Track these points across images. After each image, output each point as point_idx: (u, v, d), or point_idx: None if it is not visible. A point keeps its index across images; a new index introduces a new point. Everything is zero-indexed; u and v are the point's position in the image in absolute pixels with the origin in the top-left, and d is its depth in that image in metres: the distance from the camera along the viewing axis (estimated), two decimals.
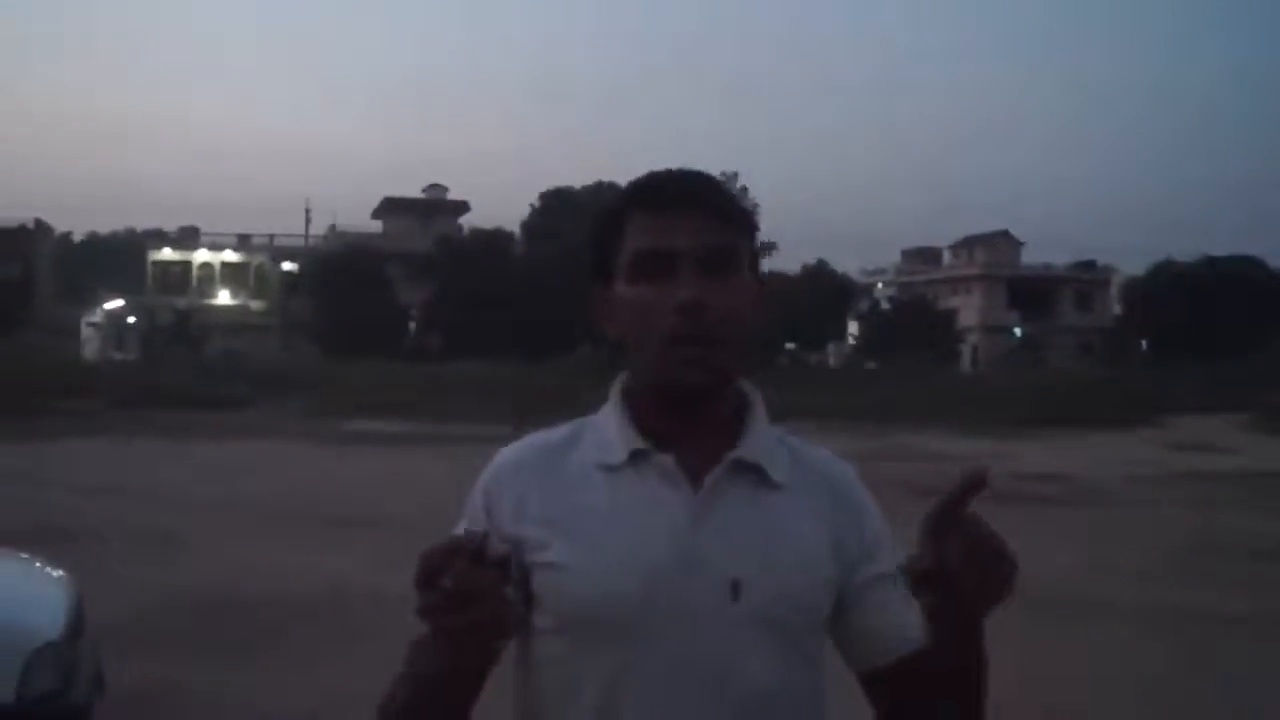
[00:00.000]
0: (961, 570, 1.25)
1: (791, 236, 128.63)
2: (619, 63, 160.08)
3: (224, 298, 66.47)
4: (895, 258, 79.90)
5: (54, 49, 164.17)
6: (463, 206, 66.51)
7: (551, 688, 1.40)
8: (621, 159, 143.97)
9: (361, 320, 50.28)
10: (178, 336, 53.00)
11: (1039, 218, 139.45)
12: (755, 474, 1.43)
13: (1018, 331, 66.49)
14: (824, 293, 54.06)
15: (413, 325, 56.30)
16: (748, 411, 1.48)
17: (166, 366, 37.88)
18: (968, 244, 72.63)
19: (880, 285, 73.20)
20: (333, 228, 67.21)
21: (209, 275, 67.57)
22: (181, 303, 62.11)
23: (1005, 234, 71.83)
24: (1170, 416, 30.45)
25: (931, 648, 1.36)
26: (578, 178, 79.74)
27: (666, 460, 1.40)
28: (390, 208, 67.17)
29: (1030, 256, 73.34)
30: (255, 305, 65.74)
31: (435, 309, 53.38)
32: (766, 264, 73.84)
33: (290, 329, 57.15)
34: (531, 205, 60.34)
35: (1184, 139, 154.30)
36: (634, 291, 1.41)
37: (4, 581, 5.06)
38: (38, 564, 5.50)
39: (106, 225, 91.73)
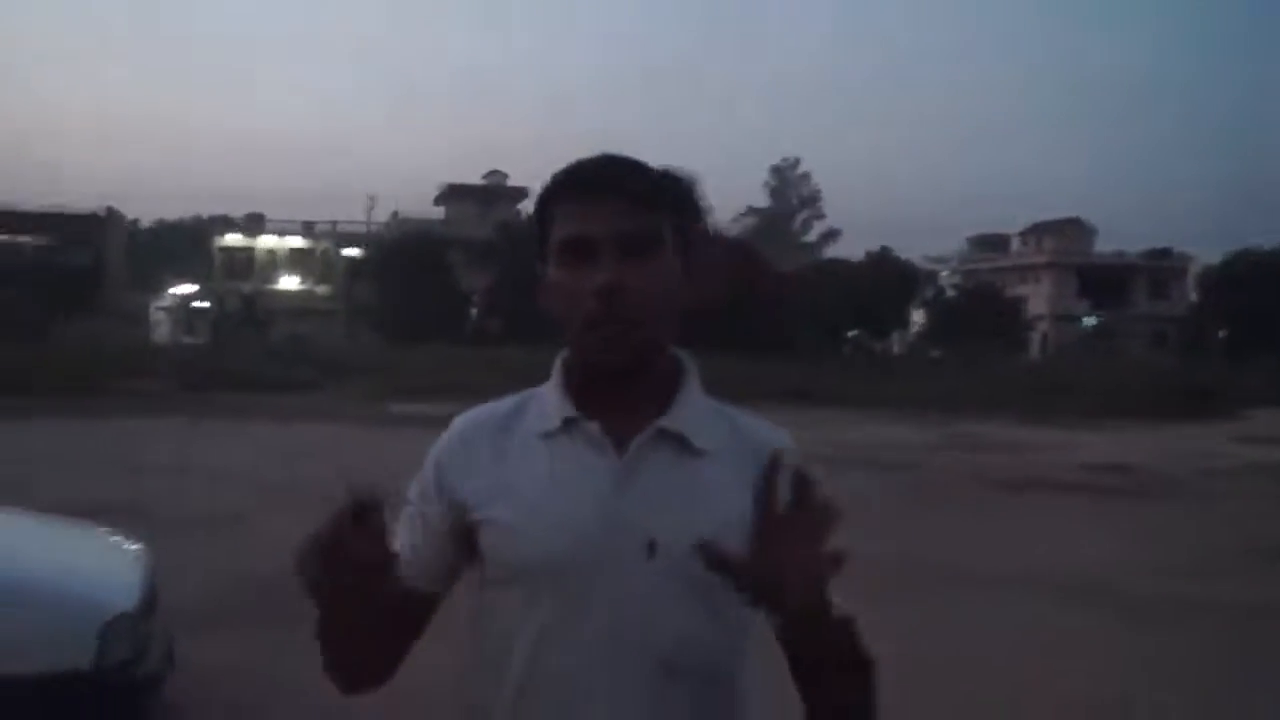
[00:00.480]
0: (752, 565, 1.36)
1: (855, 223, 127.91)
2: (676, 46, 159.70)
3: (289, 283, 67.23)
4: (961, 245, 79.07)
5: (123, 41, 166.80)
6: (522, 192, 66.64)
7: (490, 637, 1.54)
8: (680, 143, 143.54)
9: (423, 306, 50.60)
10: (244, 321, 53.67)
11: (1112, 205, 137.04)
12: (678, 442, 1.53)
13: (1088, 320, 65.50)
14: (888, 280, 53.50)
15: (473, 310, 56.55)
16: (681, 383, 1.58)
17: (233, 350, 38.33)
18: (1037, 231, 71.68)
19: (946, 273, 72.48)
20: (395, 214, 67.72)
21: (274, 261, 68.37)
22: (248, 288, 62.89)
23: (1076, 221, 70.80)
24: (1245, 409, 29.82)
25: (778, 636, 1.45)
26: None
27: (593, 428, 1.51)
28: (451, 194, 67.56)
29: (1103, 244, 72.24)
30: (320, 290, 66.45)
31: (495, 294, 53.54)
32: (830, 251, 73.78)
33: (353, 314, 57.70)
34: None
35: (1264, 123, 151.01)
36: (560, 276, 1.51)
37: (82, 554, 5.17)
38: (114, 537, 5.55)
39: (174, 212, 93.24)
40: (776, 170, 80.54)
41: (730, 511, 1.48)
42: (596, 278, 1.46)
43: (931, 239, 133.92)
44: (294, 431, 19.60)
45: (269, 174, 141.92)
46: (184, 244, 73.45)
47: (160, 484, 12.80)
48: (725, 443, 1.56)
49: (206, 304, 63.61)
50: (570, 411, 1.53)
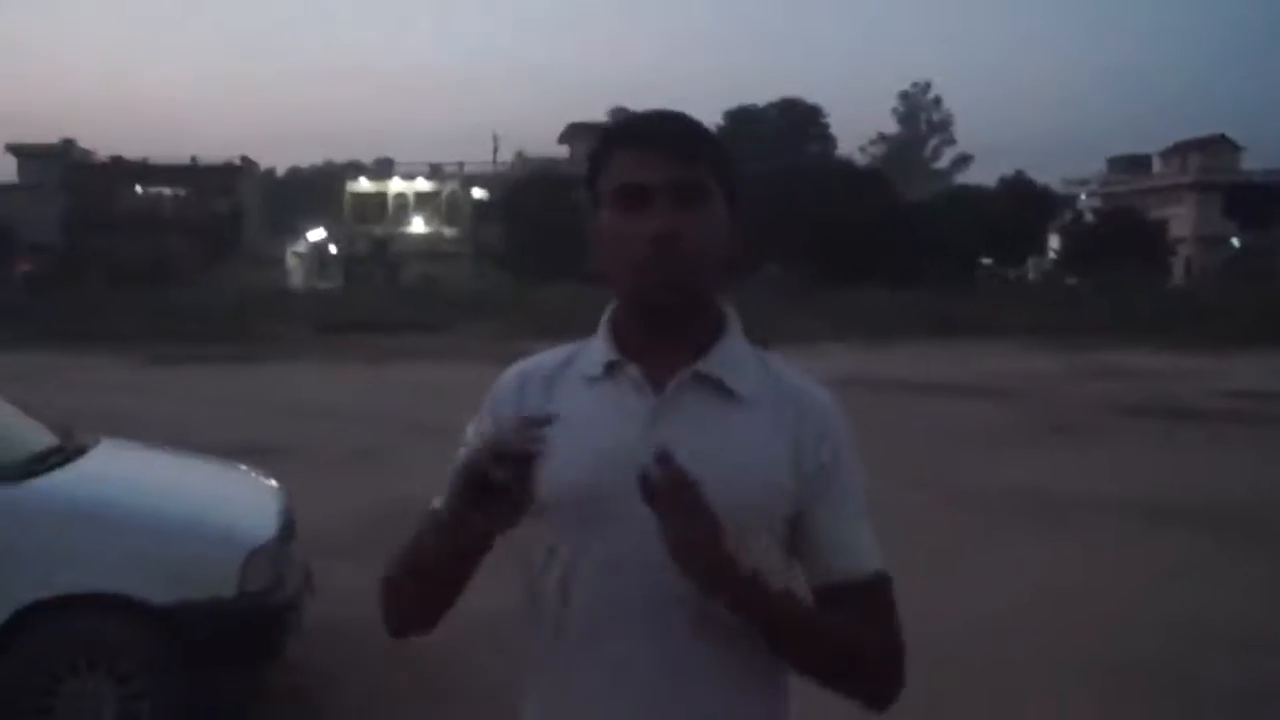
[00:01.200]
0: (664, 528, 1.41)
1: (988, 147, 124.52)
2: None
3: (418, 226, 68.29)
4: (1100, 167, 76.33)
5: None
6: None
7: (535, 560, 1.61)
8: (808, 74, 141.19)
9: (550, 245, 50.92)
10: (375, 264, 54.77)
11: (1260, 121, 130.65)
12: (715, 386, 1.58)
13: (1236, 242, 62.80)
14: (1023, 205, 51.99)
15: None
16: (723, 331, 1.63)
17: (365, 293, 39.18)
18: (1180, 150, 68.70)
19: (1084, 196, 70.03)
20: (520, 154, 68.11)
21: (403, 204, 69.45)
22: (378, 231, 64.14)
23: (1222, 138, 67.56)
24: None
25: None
26: (762, 95, 78.42)
27: (634, 370, 1.58)
28: (575, 133, 67.54)
29: (1250, 163, 68.94)
30: (448, 232, 67.36)
31: None
32: (962, 177, 71.87)
33: (482, 255, 58.38)
34: (717, 125, 59.86)
35: None
36: (614, 222, 1.56)
37: (224, 489, 5.36)
38: (252, 474, 5.74)
39: (306, 159, 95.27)
40: (905, 96, 78.60)
41: (766, 455, 1.56)
42: (651, 224, 1.51)
43: (1069, 161, 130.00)
44: (425, 371, 19.96)
45: (398, 117, 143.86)
46: (317, 190, 74.97)
47: (301, 425, 13.18)
48: (764, 390, 1.61)
49: (336, 249, 65.04)
50: (614, 355, 1.60)
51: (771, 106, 59.78)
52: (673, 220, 1.51)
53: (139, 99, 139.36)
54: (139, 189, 66.49)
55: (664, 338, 1.58)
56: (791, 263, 44.65)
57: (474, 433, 1.65)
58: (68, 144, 66.66)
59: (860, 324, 28.64)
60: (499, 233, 55.92)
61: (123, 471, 5.18)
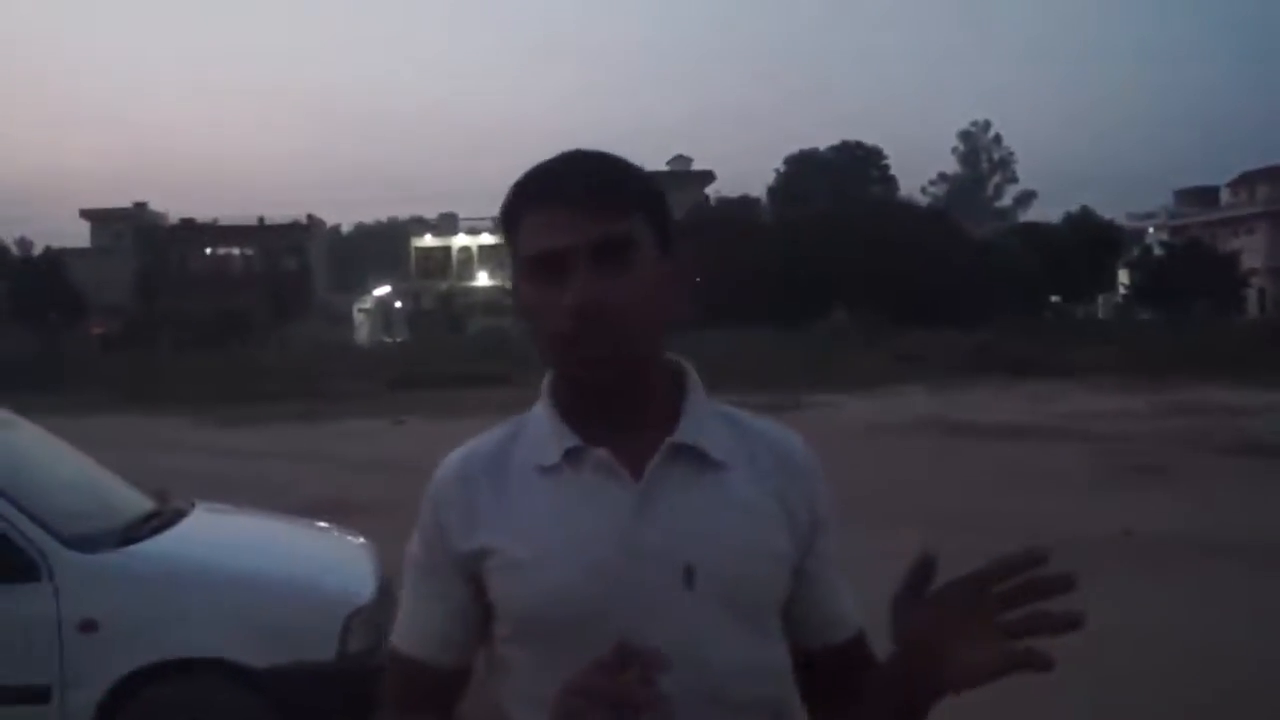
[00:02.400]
0: (947, 639, 1.26)
1: (1051, 183, 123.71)
2: (859, 12, 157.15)
3: (482, 279, 68.93)
4: (1167, 199, 75.42)
5: (322, 51, 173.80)
6: (708, 176, 66.67)
7: (519, 695, 1.38)
8: (868, 116, 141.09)
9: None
10: (441, 318, 55.27)
11: None
12: (696, 455, 1.39)
13: None
14: (1090, 241, 51.42)
15: None
16: (684, 390, 1.44)
17: (432, 347, 39.51)
18: (1248, 180, 67.73)
19: (1152, 230, 69.18)
20: None
21: (468, 258, 70.24)
22: (443, 286, 64.79)
23: None
24: None
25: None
26: (822, 139, 78.46)
27: (602, 455, 1.36)
28: None
29: None
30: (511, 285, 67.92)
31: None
32: (1025, 214, 71.38)
33: None
34: (777, 170, 59.95)
35: None
36: (530, 292, 1.36)
37: (319, 550, 5.38)
38: (342, 533, 5.76)
39: (371, 216, 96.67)
40: (966, 135, 78.37)
41: (763, 525, 1.40)
42: (569, 296, 1.31)
43: (1135, 196, 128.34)
44: (489, 425, 19.98)
45: (461, 172, 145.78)
46: (382, 246, 76.03)
47: (380, 481, 13.23)
48: (739, 450, 1.43)
49: (402, 304, 65.78)
50: (572, 440, 1.38)
51: (832, 149, 59.80)
52: (595, 288, 1.30)
53: (208, 161, 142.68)
54: (209, 250, 67.91)
55: (616, 411, 1.39)
56: (857, 306, 44.43)
57: (421, 548, 1.45)
58: (139, 207, 68.36)
59: (930, 366, 28.35)
60: None
61: (219, 535, 5.22)
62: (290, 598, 4.56)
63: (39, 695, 4.14)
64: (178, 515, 5.07)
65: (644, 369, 1.39)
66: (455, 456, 1.47)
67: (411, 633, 1.46)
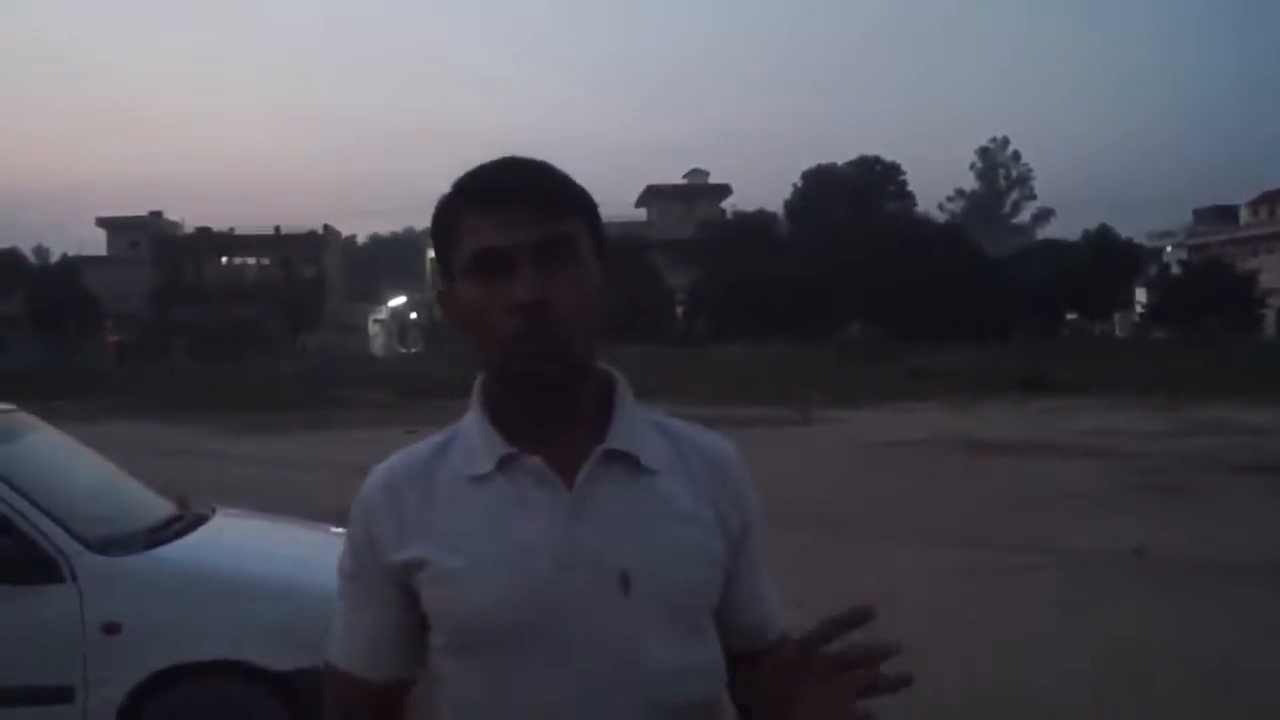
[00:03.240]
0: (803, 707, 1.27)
1: (1069, 201, 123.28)
2: (876, 30, 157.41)
3: None
4: (1186, 219, 75.19)
5: (337, 64, 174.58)
6: (724, 190, 66.81)
7: (460, 705, 1.39)
8: (886, 132, 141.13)
9: (629, 307, 51.15)
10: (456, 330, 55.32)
11: None
12: (628, 462, 1.40)
13: None
14: (1108, 259, 51.29)
15: (679, 310, 56.91)
16: (614, 399, 1.45)
17: (448, 358, 39.56)
18: (1268, 200, 67.52)
19: (1170, 249, 68.99)
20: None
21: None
22: None
23: None
24: None
25: None
26: (840, 154, 78.36)
27: (535, 462, 1.37)
28: (653, 195, 68.20)
29: None
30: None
31: (701, 293, 53.74)
32: (1043, 231, 71.23)
33: None
34: (794, 185, 59.96)
35: None
36: (473, 292, 1.36)
37: (336, 555, 5.34)
38: None
39: (387, 227, 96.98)
40: (984, 151, 78.32)
41: (697, 530, 1.41)
42: (515, 292, 1.32)
43: (1153, 214, 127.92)
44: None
45: None
46: (398, 257, 76.19)
47: None
48: (671, 457, 1.44)
49: (417, 315, 65.93)
50: (504, 448, 1.38)
51: (850, 165, 59.76)
52: (539, 286, 1.32)
53: (224, 170, 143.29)
54: (224, 259, 68.19)
55: (551, 417, 1.40)
56: (871, 321, 44.41)
57: (350, 560, 1.45)
58: (155, 216, 68.63)
59: (945, 382, 28.31)
60: None
61: (240, 540, 5.25)
62: (310, 602, 4.55)
63: (62, 695, 4.17)
64: (198, 520, 5.10)
65: (583, 370, 1.41)
66: (382, 468, 1.46)
67: (344, 647, 1.47)
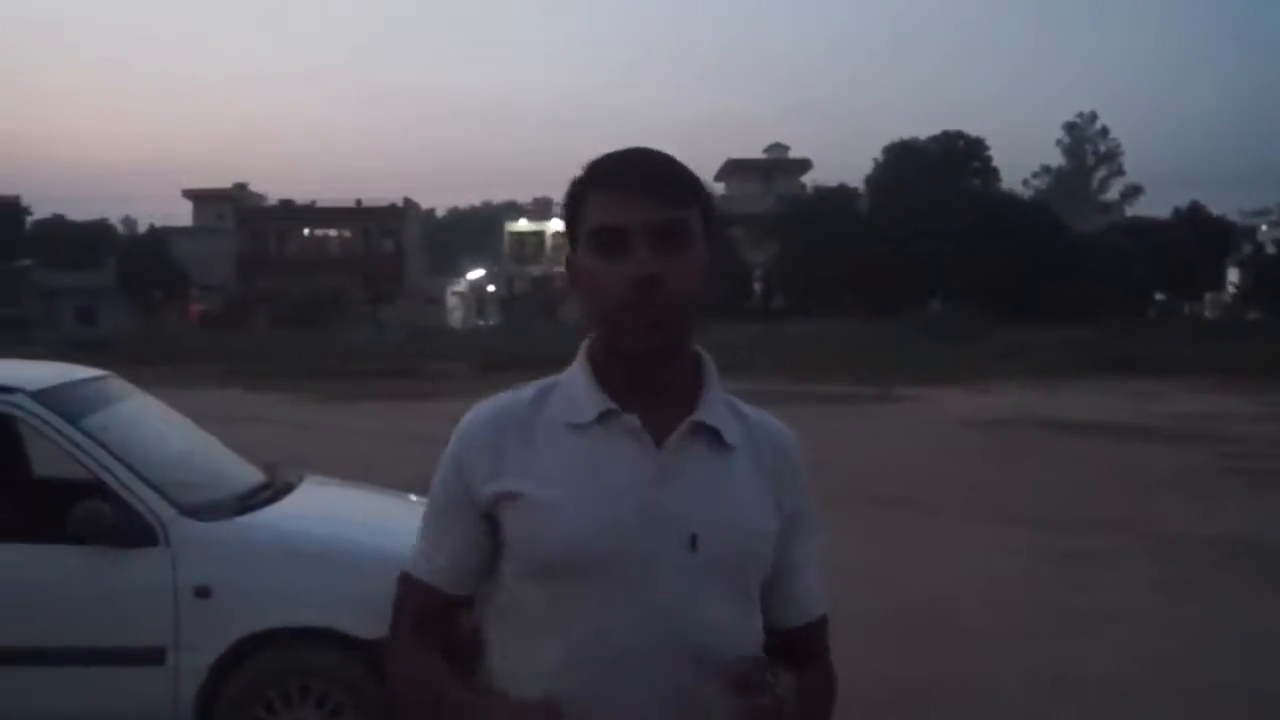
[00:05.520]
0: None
1: (1159, 178, 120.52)
2: (961, 2, 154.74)
3: None
4: None
5: (420, 40, 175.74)
6: (805, 165, 66.20)
7: (525, 629, 1.53)
8: (970, 106, 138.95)
9: (707, 283, 50.99)
10: (534, 302, 55.63)
11: None
12: (711, 436, 1.55)
13: None
14: (1199, 237, 50.09)
15: (758, 286, 56.60)
16: (703, 376, 1.61)
17: (525, 331, 39.80)
18: None
19: (1264, 227, 67.09)
20: None
21: (562, 243, 70.22)
22: (537, 270, 65.19)
23: None
24: None
25: None
26: (922, 129, 77.18)
27: (633, 420, 1.52)
28: (732, 170, 67.78)
29: None
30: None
31: (780, 268, 53.40)
32: (1132, 209, 69.73)
33: None
34: (875, 160, 59.24)
35: None
36: (592, 264, 1.51)
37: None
38: None
39: (466, 200, 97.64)
40: (1071, 126, 76.68)
41: (759, 506, 1.57)
42: (632, 268, 1.47)
43: (1248, 191, 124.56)
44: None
45: (557, 157, 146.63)
46: (476, 230, 76.67)
47: None
48: (744, 438, 1.60)
49: (495, 287, 66.38)
50: (607, 404, 1.54)
51: (933, 140, 58.84)
52: (654, 263, 1.46)
53: (308, 143, 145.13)
54: (307, 231, 69.06)
55: (648, 383, 1.55)
56: (953, 299, 43.82)
57: (441, 495, 1.61)
58: (240, 188, 69.65)
59: (1029, 362, 27.80)
60: None
61: (328, 508, 5.26)
62: (397, 570, 4.57)
63: (154, 657, 4.21)
64: (287, 487, 5.12)
65: (682, 346, 1.57)
66: (488, 405, 1.62)
67: (427, 560, 1.63)
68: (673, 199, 1.51)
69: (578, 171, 1.58)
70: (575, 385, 1.58)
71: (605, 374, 1.56)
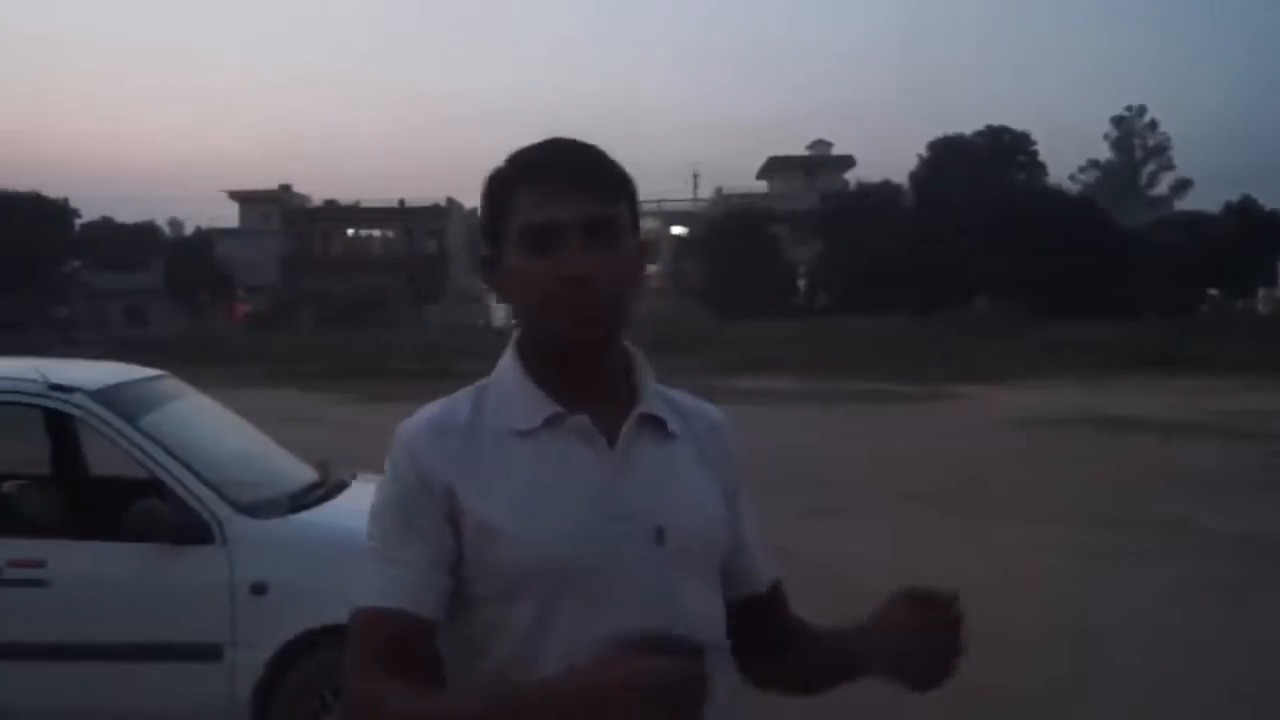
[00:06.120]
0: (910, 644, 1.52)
1: (1209, 172, 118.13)
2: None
3: None
4: None
5: (461, 41, 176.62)
6: (848, 161, 65.88)
7: (505, 651, 1.44)
8: (1015, 100, 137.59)
9: (750, 280, 50.92)
10: None
11: None
12: (656, 426, 1.53)
13: None
14: (1251, 232, 49.36)
15: (801, 283, 56.41)
16: (635, 369, 1.57)
17: None
18: None
19: None
20: (719, 191, 68.43)
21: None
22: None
23: None
24: None
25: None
26: (967, 124, 76.35)
27: (583, 421, 1.47)
28: (775, 167, 67.61)
29: None
30: (647, 269, 68.15)
31: (823, 266, 53.20)
32: (1181, 203, 68.72)
33: (682, 291, 58.79)
34: (920, 156, 58.85)
35: None
36: (524, 263, 1.46)
37: None
38: None
39: None
40: (1119, 120, 75.77)
41: (708, 491, 1.56)
42: (565, 266, 1.43)
43: None
44: None
45: None
46: None
47: None
48: (683, 426, 1.57)
49: None
50: (552, 407, 1.48)
51: (978, 135, 58.36)
52: (587, 262, 1.43)
53: (352, 144, 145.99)
54: (350, 231, 69.58)
55: (584, 380, 1.50)
56: (999, 295, 43.47)
57: (397, 493, 1.46)
58: (284, 189, 70.23)
59: (1076, 359, 27.54)
60: (698, 269, 56.25)
61: None
62: None
63: (211, 653, 4.26)
64: (340, 485, 5.16)
65: (614, 340, 1.52)
66: (424, 414, 1.53)
67: (395, 586, 1.42)
68: (605, 194, 1.48)
69: (498, 164, 1.52)
70: (510, 388, 1.52)
71: (539, 374, 1.51)
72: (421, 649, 1.43)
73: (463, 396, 1.55)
